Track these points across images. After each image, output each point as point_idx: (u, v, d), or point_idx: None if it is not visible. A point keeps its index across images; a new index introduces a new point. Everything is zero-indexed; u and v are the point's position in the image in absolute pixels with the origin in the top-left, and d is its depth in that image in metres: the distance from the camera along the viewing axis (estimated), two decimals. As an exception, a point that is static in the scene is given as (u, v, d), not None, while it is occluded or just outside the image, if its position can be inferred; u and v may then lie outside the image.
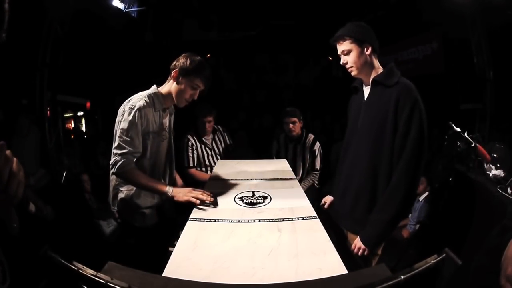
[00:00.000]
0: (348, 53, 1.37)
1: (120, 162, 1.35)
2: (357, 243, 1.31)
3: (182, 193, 1.34)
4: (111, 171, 1.39)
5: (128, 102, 1.44)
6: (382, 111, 1.29)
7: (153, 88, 1.54)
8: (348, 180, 1.44)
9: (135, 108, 1.39)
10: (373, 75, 1.37)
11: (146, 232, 1.57)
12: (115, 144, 1.38)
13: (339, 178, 1.54)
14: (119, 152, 1.36)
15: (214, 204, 1.30)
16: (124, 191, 1.53)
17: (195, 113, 2.46)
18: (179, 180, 1.93)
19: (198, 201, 1.28)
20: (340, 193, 1.50)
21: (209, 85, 1.52)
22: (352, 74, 1.41)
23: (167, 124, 1.62)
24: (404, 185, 1.22)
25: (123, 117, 1.39)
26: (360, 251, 1.29)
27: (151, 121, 1.46)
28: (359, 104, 1.45)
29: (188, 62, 1.46)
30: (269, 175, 1.75)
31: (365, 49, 1.34)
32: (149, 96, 1.47)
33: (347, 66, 1.39)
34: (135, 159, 1.40)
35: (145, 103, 1.42)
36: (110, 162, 1.38)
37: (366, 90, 1.42)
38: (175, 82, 1.49)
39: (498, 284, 0.99)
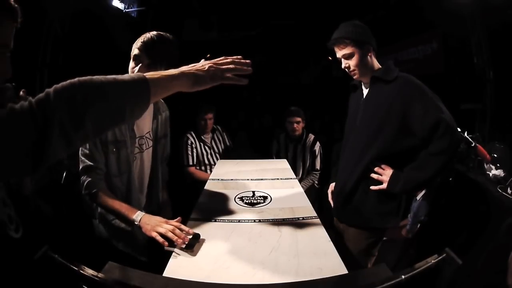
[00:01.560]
0: (349, 57, 1.33)
1: (86, 182, 1.13)
2: (384, 178, 1.31)
3: (150, 225, 1.02)
4: (83, 193, 1.16)
5: None
6: (383, 106, 1.30)
7: None
8: (346, 175, 1.47)
9: None
10: (371, 73, 1.37)
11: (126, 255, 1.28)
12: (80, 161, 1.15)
13: (337, 175, 1.58)
14: (83, 167, 1.14)
15: (189, 247, 0.93)
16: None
17: (196, 112, 2.47)
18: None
19: (162, 240, 0.95)
20: (339, 189, 1.53)
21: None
22: (355, 77, 1.39)
23: (149, 130, 1.30)
24: (443, 151, 1.20)
25: None
26: (378, 187, 1.33)
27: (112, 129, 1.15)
28: (358, 102, 1.45)
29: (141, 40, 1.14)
30: (269, 175, 1.75)
31: (366, 50, 1.33)
32: None
33: (350, 69, 1.36)
34: (102, 178, 1.17)
35: None
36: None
37: (365, 88, 1.42)
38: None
39: (504, 283, 0.99)
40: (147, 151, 1.30)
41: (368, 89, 1.40)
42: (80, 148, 1.14)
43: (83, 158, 1.14)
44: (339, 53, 1.35)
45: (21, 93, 0.76)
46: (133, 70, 1.12)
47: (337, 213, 1.56)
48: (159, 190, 1.39)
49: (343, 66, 1.37)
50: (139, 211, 1.10)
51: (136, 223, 1.06)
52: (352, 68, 1.34)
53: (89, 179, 1.13)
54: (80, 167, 1.15)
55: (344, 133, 1.58)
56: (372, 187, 1.35)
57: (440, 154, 1.20)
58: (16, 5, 0.65)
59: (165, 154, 1.45)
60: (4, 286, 0.66)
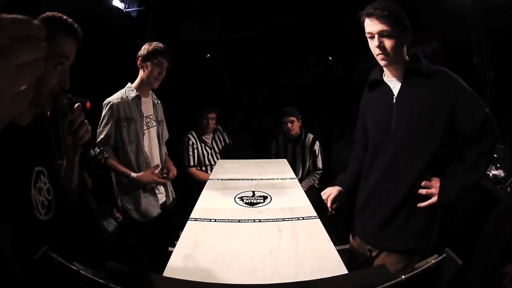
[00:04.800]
0: (388, 36, 1.09)
1: (99, 151, 1.56)
2: (433, 190, 1.13)
3: (146, 178, 1.64)
4: (98, 158, 1.60)
5: None
6: (427, 105, 1.11)
7: (127, 85, 1.74)
8: (385, 193, 1.21)
9: (108, 104, 1.64)
10: (402, 66, 1.16)
11: (148, 227, 1.73)
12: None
13: (363, 195, 1.31)
14: (99, 141, 1.61)
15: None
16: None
17: (198, 111, 2.47)
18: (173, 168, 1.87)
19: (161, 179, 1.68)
20: (373, 210, 1.26)
21: (171, 58, 1.71)
22: (382, 63, 1.15)
23: (151, 112, 1.78)
24: (491, 147, 1.13)
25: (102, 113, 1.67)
26: (428, 203, 1.14)
27: (123, 109, 1.64)
28: (386, 101, 1.20)
29: (146, 48, 1.68)
30: (269, 175, 1.75)
31: (405, 38, 1.13)
32: (122, 91, 1.70)
33: (381, 51, 1.11)
34: (110, 148, 1.64)
35: (116, 97, 1.66)
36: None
37: (395, 84, 1.19)
38: (142, 69, 1.70)
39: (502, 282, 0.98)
40: (152, 129, 1.77)
41: (400, 84, 1.17)
42: (98, 129, 1.63)
43: (99, 135, 1.61)
44: (375, 27, 1.09)
45: (75, 105, 0.92)
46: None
47: (372, 239, 1.27)
48: (163, 157, 1.87)
49: (375, 43, 1.10)
50: (133, 173, 1.63)
51: (134, 177, 1.62)
52: (388, 49, 1.09)
53: (102, 148, 1.60)
54: (97, 140, 1.61)
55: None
56: (420, 204, 1.14)
57: (488, 152, 1.12)
58: (75, 25, 0.82)
59: (165, 137, 1.91)
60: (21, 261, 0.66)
